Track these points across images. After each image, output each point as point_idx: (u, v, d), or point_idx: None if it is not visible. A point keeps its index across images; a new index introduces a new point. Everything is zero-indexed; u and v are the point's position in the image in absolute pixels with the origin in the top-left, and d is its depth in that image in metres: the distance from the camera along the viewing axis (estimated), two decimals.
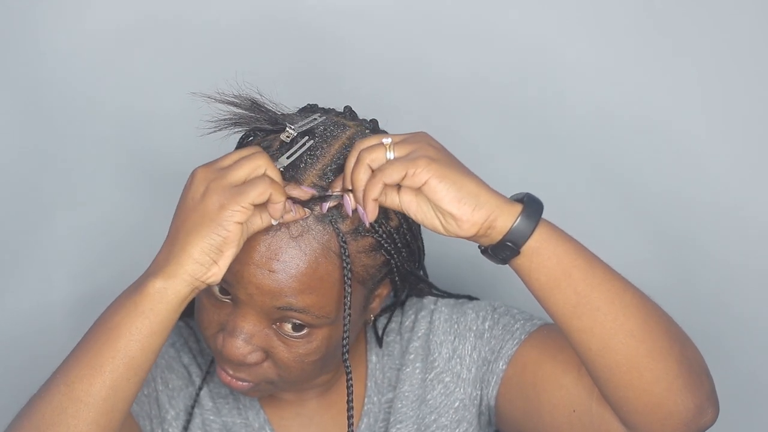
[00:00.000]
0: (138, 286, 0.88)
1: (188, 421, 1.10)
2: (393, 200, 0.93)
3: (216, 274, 0.88)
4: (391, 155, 0.91)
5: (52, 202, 1.33)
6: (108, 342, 0.87)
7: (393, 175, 0.90)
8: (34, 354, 1.22)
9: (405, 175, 0.89)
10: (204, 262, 0.87)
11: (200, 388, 1.11)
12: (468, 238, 0.93)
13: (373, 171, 0.91)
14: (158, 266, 0.88)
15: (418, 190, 0.91)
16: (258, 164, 0.90)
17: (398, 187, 0.92)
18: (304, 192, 0.94)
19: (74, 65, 1.28)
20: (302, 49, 1.30)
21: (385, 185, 0.91)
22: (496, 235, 0.91)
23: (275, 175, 0.91)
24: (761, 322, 1.33)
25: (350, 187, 0.93)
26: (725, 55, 1.26)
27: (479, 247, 0.95)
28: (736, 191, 1.29)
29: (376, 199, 0.91)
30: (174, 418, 1.10)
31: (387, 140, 0.92)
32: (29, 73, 1.28)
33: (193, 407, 1.10)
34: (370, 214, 0.91)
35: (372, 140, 0.93)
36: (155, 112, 1.31)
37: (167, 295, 0.87)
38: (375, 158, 0.91)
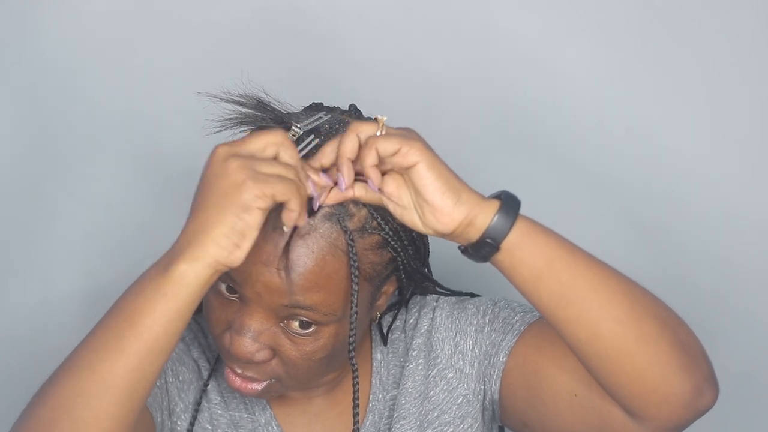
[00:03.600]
0: (160, 268, 0.87)
1: (195, 416, 1.10)
2: (372, 195, 0.93)
3: (238, 257, 0.86)
4: (381, 132, 0.91)
5: (56, 200, 1.33)
6: (132, 325, 0.86)
7: (387, 146, 0.89)
8: (38, 352, 1.22)
9: (398, 151, 0.89)
10: (226, 245, 0.85)
11: (206, 384, 1.12)
12: (445, 236, 0.93)
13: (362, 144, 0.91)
14: (181, 249, 0.87)
15: (400, 183, 0.92)
16: (289, 170, 0.88)
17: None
18: (319, 179, 0.93)
19: (79, 64, 1.29)
20: (304, 50, 1.31)
21: (378, 155, 0.90)
22: (475, 233, 0.92)
23: (301, 185, 0.89)
24: (758, 318, 1.34)
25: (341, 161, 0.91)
26: (721, 55, 1.28)
27: (459, 246, 0.95)
28: (732, 191, 1.30)
29: (375, 166, 0.90)
30: (183, 411, 1.10)
31: (381, 117, 0.91)
32: (31, 72, 1.28)
33: (199, 402, 1.11)
34: (376, 180, 0.90)
35: (368, 122, 0.93)
36: (160, 111, 1.31)
37: (189, 278, 0.86)
38: (365, 130, 0.91)
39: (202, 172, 0.89)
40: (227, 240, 0.85)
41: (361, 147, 0.91)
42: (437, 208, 0.90)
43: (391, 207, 0.93)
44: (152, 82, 1.30)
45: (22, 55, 1.27)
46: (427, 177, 0.89)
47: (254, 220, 0.85)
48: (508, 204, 0.92)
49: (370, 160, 0.90)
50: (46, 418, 0.86)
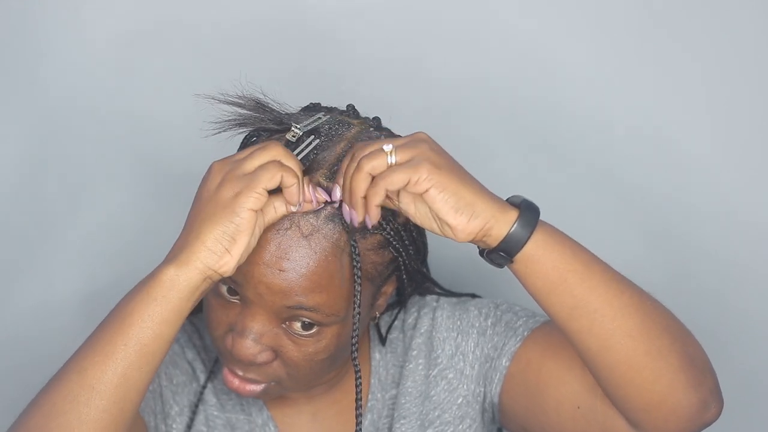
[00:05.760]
0: (152, 274, 0.88)
1: (192, 418, 1.10)
2: (391, 202, 0.94)
3: (228, 263, 0.88)
4: (392, 160, 0.91)
5: (56, 203, 1.32)
6: (121, 329, 0.87)
7: (396, 183, 0.89)
8: (38, 355, 1.22)
9: (408, 182, 0.89)
10: (217, 250, 0.87)
11: (204, 386, 1.11)
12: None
13: (374, 178, 0.91)
14: (173, 255, 0.89)
15: (416, 196, 0.92)
16: (272, 153, 0.90)
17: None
18: (317, 193, 0.94)
19: (78, 68, 1.28)
20: (302, 50, 1.30)
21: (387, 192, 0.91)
22: (492, 241, 0.92)
23: (289, 161, 0.91)
24: (760, 319, 1.34)
25: (347, 193, 0.92)
26: (722, 56, 1.27)
27: (479, 249, 0.96)
28: (734, 192, 1.30)
29: (378, 205, 0.91)
30: (178, 414, 1.10)
31: (388, 147, 0.91)
32: (32, 76, 1.27)
33: (197, 404, 1.10)
34: (373, 219, 0.92)
35: (371, 146, 0.92)
36: (159, 113, 1.30)
37: (179, 282, 0.87)
38: (376, 166, 0.90)
39: (198, 190, 0.91)
40: (218, 244, 0.87)
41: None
42: (452, 226, 0.90)
43: (411, 215, 0.93)
44: (151, 85, 1.30)
45: (23, 58, 1.26)
46: (438, 200, 0.89)
47: (245, 221, 0.87)
48: (526, 214, 0.91)
49: (376, 199, 0.90)
50: (37, 424, 0.86)
